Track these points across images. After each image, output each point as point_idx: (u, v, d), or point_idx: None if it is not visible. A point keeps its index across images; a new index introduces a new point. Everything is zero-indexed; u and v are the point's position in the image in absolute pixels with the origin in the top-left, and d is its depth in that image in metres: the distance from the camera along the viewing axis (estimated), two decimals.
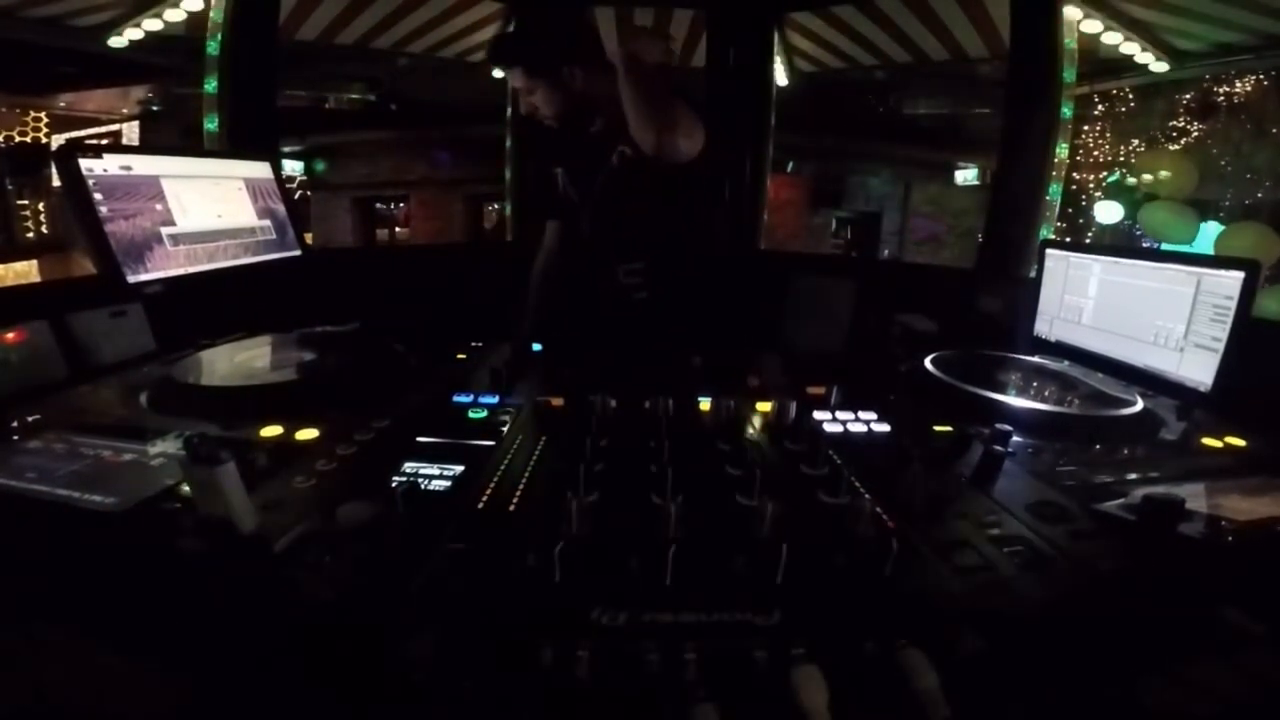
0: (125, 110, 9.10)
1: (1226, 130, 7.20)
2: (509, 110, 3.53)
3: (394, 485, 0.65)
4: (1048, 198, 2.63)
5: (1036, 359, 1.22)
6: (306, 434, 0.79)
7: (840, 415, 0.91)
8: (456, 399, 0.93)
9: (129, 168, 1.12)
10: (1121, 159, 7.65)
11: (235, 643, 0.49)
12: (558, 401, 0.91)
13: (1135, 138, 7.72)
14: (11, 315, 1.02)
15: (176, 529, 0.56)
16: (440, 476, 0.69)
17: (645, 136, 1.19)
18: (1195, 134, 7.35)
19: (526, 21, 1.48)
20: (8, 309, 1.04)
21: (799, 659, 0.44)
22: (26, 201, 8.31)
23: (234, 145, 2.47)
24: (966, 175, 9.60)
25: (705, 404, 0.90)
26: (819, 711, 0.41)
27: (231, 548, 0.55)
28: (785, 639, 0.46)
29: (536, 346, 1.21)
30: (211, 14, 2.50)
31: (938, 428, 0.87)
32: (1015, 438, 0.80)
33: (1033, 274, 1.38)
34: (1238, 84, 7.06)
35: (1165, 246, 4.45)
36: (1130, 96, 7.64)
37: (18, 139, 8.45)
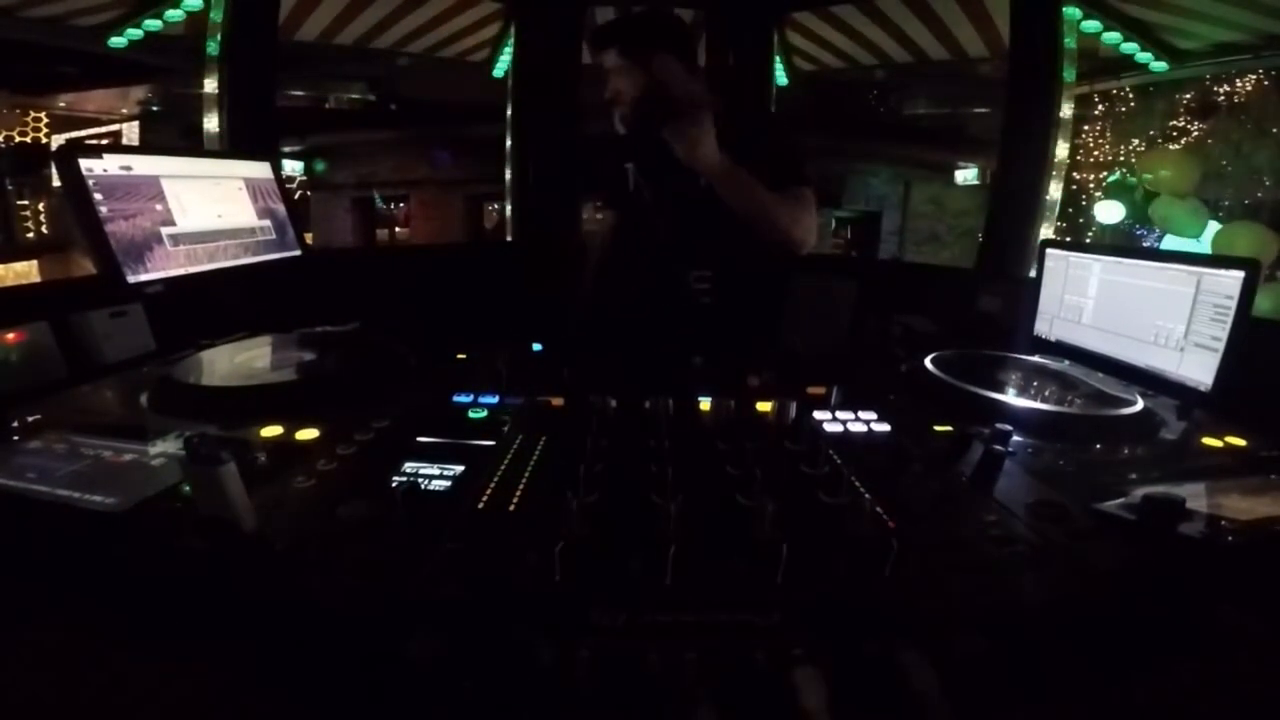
0: (125, 110, 9.10)
1: (1226, 130, 7.19)
2: (509, 110, 3.53)
3: (394, 485, 0.65)
4: (1048, 197, 2.63)
5: (1037, 359, 1.22)
6: (306, 434, 0.79)
7: (840, 415, 0.91)
8: (456, 399, 0.93)
9: (129, 168, 1.13)
10: (1122, 158, 7.64)
11: (236, 643, 0.49)
12: (558, 401, 0.91)
13: (1135, 137, 7.72)
14: (12, 315, 1.03)
15: (177, 529, 0.57)
16: (440, 476, 0.69)
17: (765, 240, 1.28)
18: (1195, 133, 7.35)
19: (627, 11, 1.45)
20: (8, 309, 1.04)
21: (799, 659, 0.44)
22: (26, 201, 8.31)
23: (234, 145, 2.48)
24: (966, 175, 9.59)
25: (705, 404, 0.90)
26: (819, 712, 0.41)
27: (232, 548, 0.55)
28: (785, 639, 0.46)
29: (536, 346, 1.21)
30: (211, 14, 2.50)
31: (938, 428, 0.87)
32: (1015, 437, 0.80)
33: (1033, 274, 1.38)
34: (1238, 83, 7.06)
35: (1168, 244, 4.46)
36: (1130, 96, 7.64)
37: (18, 139, 8.45)
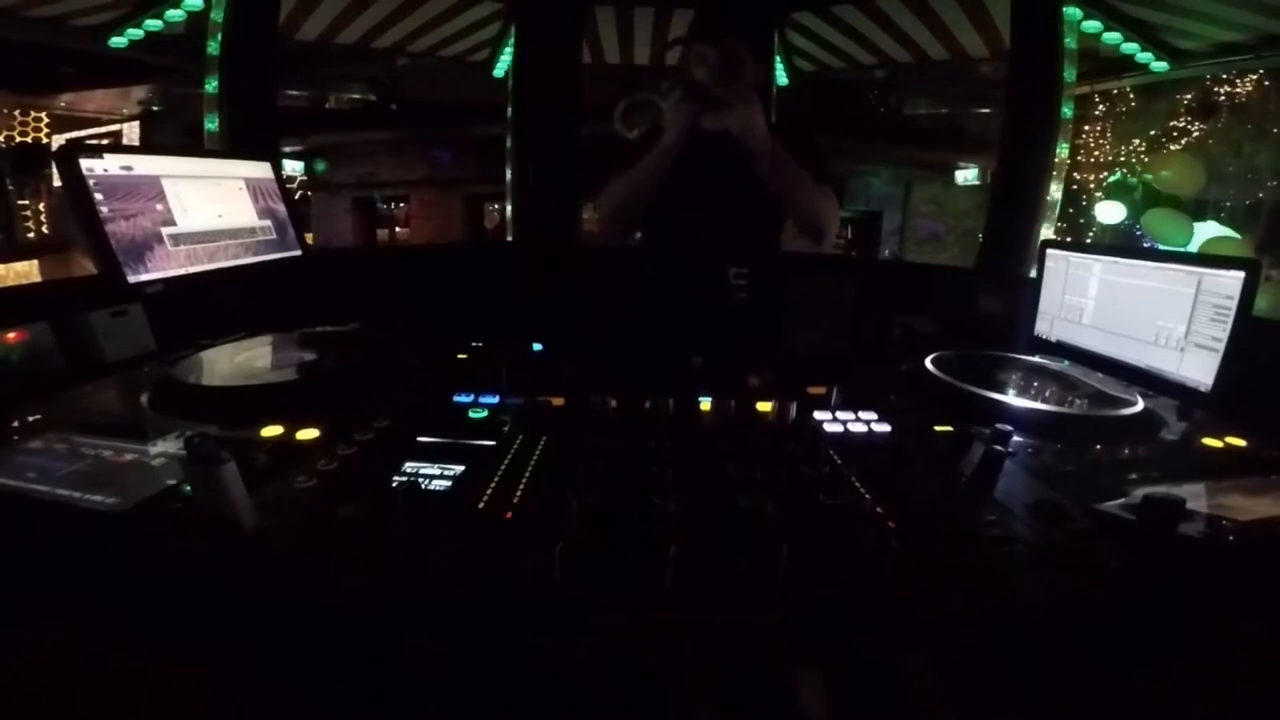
0: (125, 110, 9.10)
1: (1227, 130, 7.19)
2: (509, 110, 3.54)
3: (394, 485, 0.65)
4: (1048, 198, 2.63)
5: (1037, 359, 1.22)
6: (306, 434, 0.79)
7: (840, 415, 0.91)
8: (456, 399, 0.93)
9: (129, 168, 1.13)
10: (1122, 159, 7.64)
11: (236, 643, 0.49)
12: (558, 401, 0.91)
13: (1136, 137, 7.72)
14: (12, 315, 1.03)
15: (177, 529, 0.57)
16: (440, 476, 0.69)
17: (800, 224, 1.33)
18: (1196, 134, 7.35)
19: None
20: (8, 309, 1.04)
21: (799, 659, 0.44)
22: (27, 201, 8.31)
23: (234, 145, 2.48)
24: (967, 175, 9.59)
25: (705, 404, 0.90)
26: (819, 712, 0.41)
27: (232, 548, 0.55)
28: (785, 639, 0.46)
29: (537, 346, 1.21)
30: (211, 14, 2.50)
31: (938, 428, 0.87)
32: (1015, 438, 0.80)
33: (1033, 274, 1.38)
34: (1239, 84, 7.05)
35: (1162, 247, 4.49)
36: (1131, 96, 7.64)
37: (18, 139, 8.46)
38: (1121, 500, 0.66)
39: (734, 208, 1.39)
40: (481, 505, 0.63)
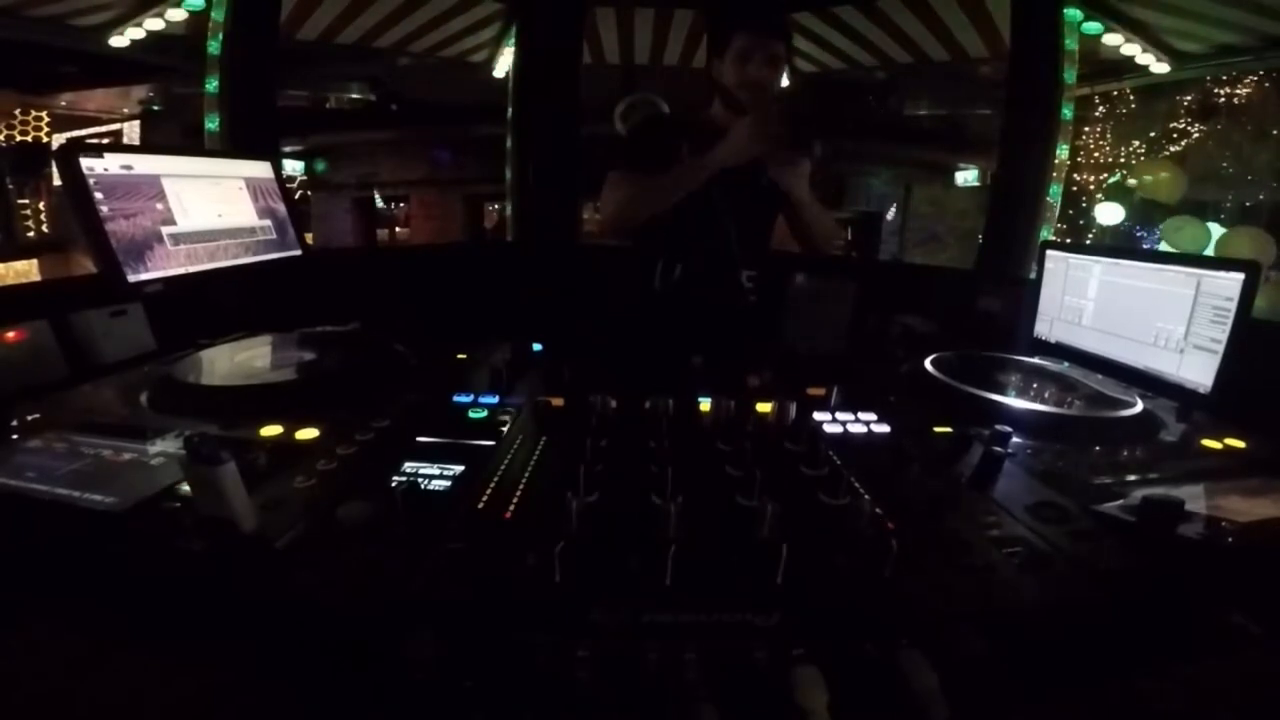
0: (126, 110, 9.10)
1: (1227, 132, 7.20)
2: (509, 110, 3.54)
3: (394, 485, 0.65)
4: (1048, 199, 2.63)
5: (1036, 360, 1.22)
6: (306, 434, 0.79)
7: (840, 416, 0.91)
8: (456, 399, 0.93)
9: (130, 167, 1.13)
10: (1122, 160, 7.65)
11: (236, 642, 0.49)
12: (558, 401, 0.91)
13: (1136, 139, 7.72)
14: (12, 314, 1.02)
15: (177, 529, 0.57)
16: (440, 476, 0.69)
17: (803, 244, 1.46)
18: (1196, 135, 7.35)
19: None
20: (8, 308, 1.04)
21: (799, 659, 0.44)
22: (27, 201, 8.31)
23: (234, 145, 2.48)
24: (967, 176, 9.60)
25: (705, 404, 0.90)
26: (819, 712, 0.41)
27: (232, 548, 0.55)
28: (785, 639, 0.46)
29: (537, 346, 1.21)
30: (212, 14, 2.50)
31: (938, 429, 0.87)
32: (1015, 439, 0.80)
33: (1033, 275, 1.38)
34: (1239, 86, 7.06)
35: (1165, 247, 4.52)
36: (1131, 98, 7.65)
37: (18, 138, 8.45)
38: (1121, 501, 0.66)
39: (754, 219, 1.44)
40: (481, 505, 0.63)
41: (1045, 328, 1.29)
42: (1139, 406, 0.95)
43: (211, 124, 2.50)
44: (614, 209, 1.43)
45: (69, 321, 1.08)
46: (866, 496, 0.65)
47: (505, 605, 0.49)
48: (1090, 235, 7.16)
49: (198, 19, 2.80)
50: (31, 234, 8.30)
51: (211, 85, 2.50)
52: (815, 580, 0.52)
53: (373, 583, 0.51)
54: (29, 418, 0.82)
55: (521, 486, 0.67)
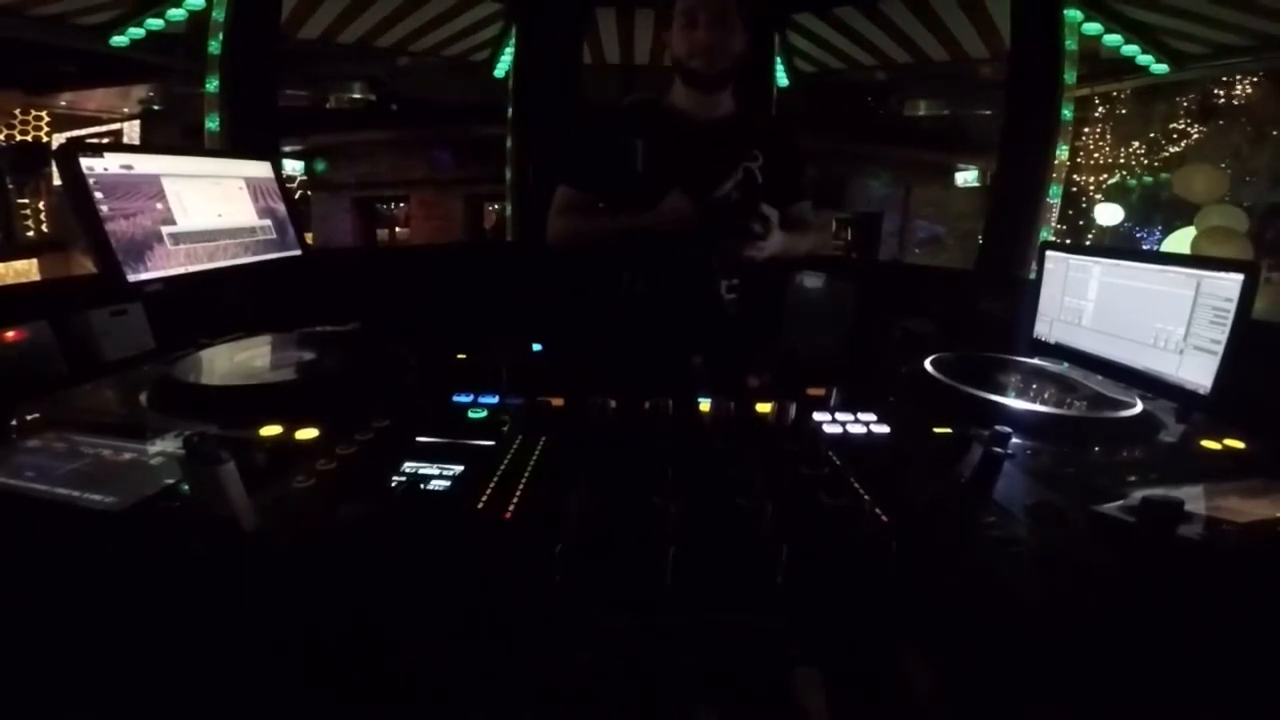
0: (126, 109, 9.10)
1: (1226, 133, 7.21)
2: (509, 110, 3.54)
3: (394, 485, 0.65)
4: (1048, 200, 2.63)
5: (1036, 361, 1.22)
6: (306, 434, 0.79)
7: (840, 416, 0.91)
8: (456, 399, 0.93)
9: (130, 167, 1.12)
10: (1122, 161, 7.65)
11: (236, 643, 0.49)
12: (558, 401, 0.91)
13: (1135, 140, 7.73)
14: (12, 314, 1.02)
15: (176, 528, 0.56)
16: (440, 476, 0.69)
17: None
18: (1195, 136, 7.36)
19: None
20: (8, 308, 1.04)
21: (799, 659, 0.44)
22: (27, 200, 8.31)
23: (235, 144, 2.48)
24: (967, 177, 9.61)
25: (705, 404, 0.90)
26: (818, 712, 0.41)
27: (232, 548, 0.55)
28: (785, 639, 0.46)
29: (536, 346, 1.21)
30: (212, 14, 2.50)
31: (937, 429, 0.87)
32: (1015, 440, 0.80)
33: (1032, 276, 1.38)
34: (1238, 86, 7.07)
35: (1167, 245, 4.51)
36: (1130, 98, 7.65)
37: (18, 137, 8.45)
38: (1120, 502, 0.66)
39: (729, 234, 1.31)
40: (481, 505, 0.63)
41: (1045, 328, 1.29)
42: (1138, 407, 0.95)
43: (211, 124, 2.50)
44: (553, 235, 1.40)
45: (69, 321, 1.08)
46: (866, 497, 0.65)
47: (505, 606, 0.49)
48: (1090, 235, 7.17)
49: (199, 18, 2.79)
50: (31, 234, 8.31)
51: (212, 85, 2.49)
52: (815, 580, 0.52)
53: (373, 583, 0.51)
54: (29, 417, 0.82)
55: (521, 486, 0.67)
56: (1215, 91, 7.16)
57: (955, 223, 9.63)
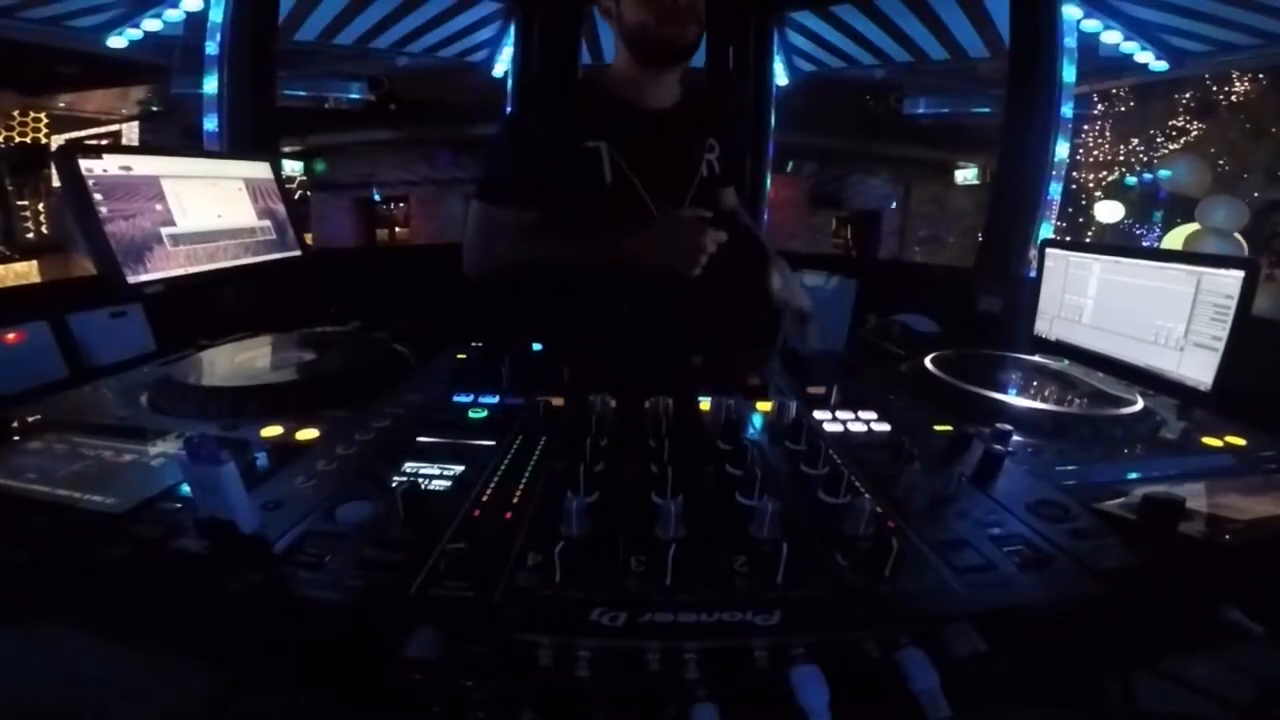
0: (125, 110, 9.09)
1: (1223, 130, 7.20)
2: (509, 110, 3.53)
3: (394, 485, 0.65)
4: (1048, 197, 2.62)
5: (1036, 358, 1.22)
6: (306, 434, 0.79)
7: (840, 415, 0.91)
8: (456, 399, 0.93)
9: (129, 168, 1.12)
10: (1122, 158, 7.64)
11: (236, 643, 0.49)
12: (558, 401, 0.91)
13: (1135, 137, 7.72)
14: (11, 315, 1.02)
15: (177, 529, 0.56)
16: (440, 476, 0.69)
17: None
18: (1195, 133, 7.35)
19: None
20: (8, 309, 1.04)
21: (799, 659, 0.44)
22: (26, 202, 8.31)
23: (234, 145, 2.47)
24: (966, 175, 9.60)
25: (705, 404, 0.90)
26: (819, 711, 0.41)
27: (232, 548, 0.55)
28: (785, 639, 0.46)
29: (536, 346, 1.21)
30: (211, 14, 2.50)
31: (938, 427, 0.87)
32: (1015, 437, 0.80)
33: (1033, 273, 1.38)
34: (1237, 84, 7.06)
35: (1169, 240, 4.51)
36: (1130, 96, 7.65)
37: (17, 139, 8.45)
38: (1121, 499, 0.66)
39: (694, 205, 1.13)
40: (481, 505, 0.63)
41: (1045, 326, 1.29)
42: (1139, 404, 0.95)
43: (210, 124, 2.49)
44: (481, 265, 1.14)
45: (69, 322, 1.08)
46: (866, 496, 0.65)
47: (505, 606, 0.49)
48: (1090, 233, 7.16)
49: (196, 19, 2.79)
50: (31, 235, 8.30)
51: (211, 86, 2.49)
52: (815, 580, 0.52)
53: (373, 583, 0.51)
54: (29, 419, 0.82)
55: (521, 486, 0.67)
56: (1214, 90, 7.15)
57: (955, 220, 9.62)
